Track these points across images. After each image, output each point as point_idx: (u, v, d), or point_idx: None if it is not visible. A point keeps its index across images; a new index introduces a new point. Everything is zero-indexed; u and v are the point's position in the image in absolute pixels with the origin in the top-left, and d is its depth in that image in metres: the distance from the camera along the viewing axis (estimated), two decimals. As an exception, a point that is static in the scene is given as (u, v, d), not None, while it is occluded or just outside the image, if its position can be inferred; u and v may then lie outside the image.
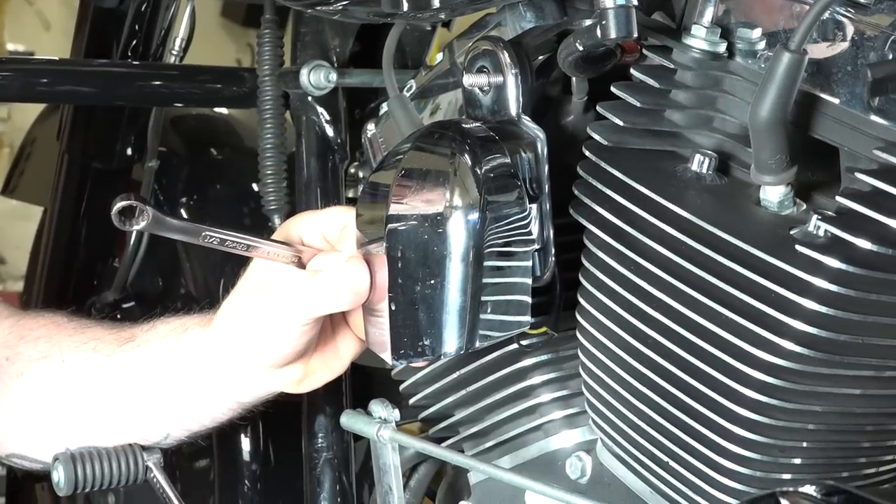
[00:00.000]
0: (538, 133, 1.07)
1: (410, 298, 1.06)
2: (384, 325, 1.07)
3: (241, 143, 1.81)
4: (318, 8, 1.23)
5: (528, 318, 1.07)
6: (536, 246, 1.06)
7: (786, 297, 0.91)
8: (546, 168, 1.07)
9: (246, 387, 1.24)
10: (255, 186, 1.63)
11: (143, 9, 1.65)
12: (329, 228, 1.19)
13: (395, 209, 1.06)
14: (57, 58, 1.76)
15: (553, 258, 1.07)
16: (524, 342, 1.12)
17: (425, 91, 1.33)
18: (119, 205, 1.09)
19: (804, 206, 0.97)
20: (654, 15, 1.11)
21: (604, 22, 0.96)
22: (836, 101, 0.94)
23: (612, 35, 0.96)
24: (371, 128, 1.42)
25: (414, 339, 1.06)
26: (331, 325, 1.22)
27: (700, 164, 1.00)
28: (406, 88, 1.34)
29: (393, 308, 1.07)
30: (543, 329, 1.11)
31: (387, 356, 1.09)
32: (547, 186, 1.07)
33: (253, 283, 1.20)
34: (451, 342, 1.06)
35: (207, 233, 1.12)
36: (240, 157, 1.78)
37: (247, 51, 4.08)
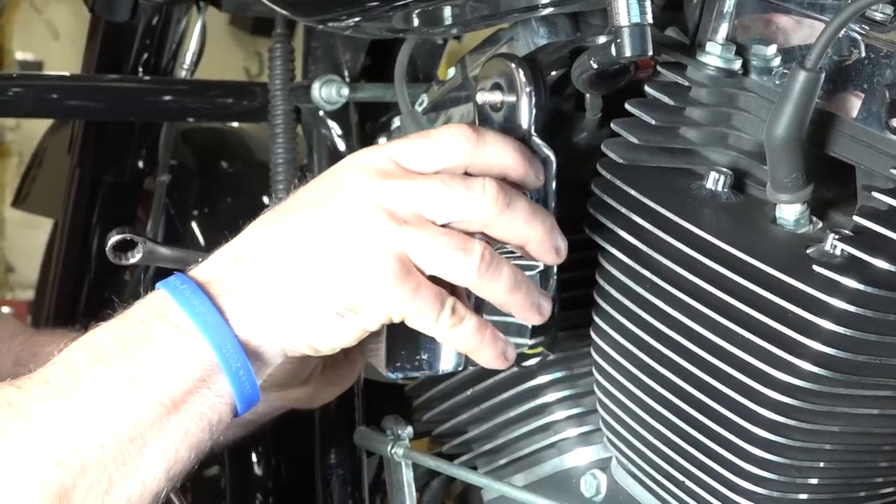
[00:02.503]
0: (548, 153, 1.06)
1: None
2: (381, 336, 1.06)
3: (252, 156, 1.81)
4: (330, 24, 1.23)
5: (527, 340, 1.07)
6: (540, 267, 1.05)
7: (803, 317, 0.90)
8: (553, 187, 1.06)
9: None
10: (266, 199, 1.63)
11: (154, 23, 1.65)
12: None
13: None
14: (68, 73, 1.77)
15: (555, 278, 1.06)
16: (524, 364, 1.10)
17: (437, 105, 1.33)
18: (113, 239, 1.09)
19: (820, 224, 0.97)
20: (667, 30, 1.11)
21: (619, 40, 0.95)
22: (851, 118, 0.94)
23: (628, 53, 0.95)
24: (383, 142, 1.42)
25: (411, 353, 1.05)
26: None
27: (715, 181, 1.00)
28: (418, 103, 1.34)
29: None
30: (540, 349, 1.10)
31: (382, 367, 1.07)
32: (553, 204, 1.06)
33: None
34: (449, 359, 1.05)
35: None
36: (251, 170, 1.78)
37: (255, 59, 4.08)
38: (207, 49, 1.68)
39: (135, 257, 1.09)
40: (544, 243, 1.01)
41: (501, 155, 1.01)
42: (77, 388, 0.93)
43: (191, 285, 0.96)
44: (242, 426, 1.28)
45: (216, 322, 0.95)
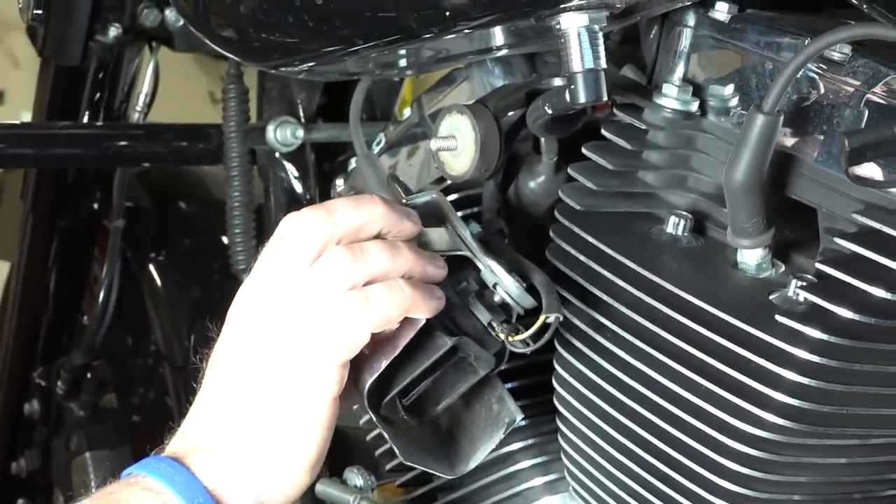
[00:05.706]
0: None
1: None
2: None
3: (210, 196, 1.78)
4: (282, 69, 1.20)
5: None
6: None
7: (766, 367, 0.88)
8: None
9: None
10: (224, 239, 1.60)
11: (105, 65, 1.62)
12: None
13: None
14: (18, 122, 1.74)
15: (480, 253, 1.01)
16: (544, 337, 0.99)
17: (394, 144, 1.31)
18: None
19: (783, 268, 0.95)
20: (624, 68, 1.09)
21: (572, 86, 0.93)
22: (811, 160, 0.92)
23: (582, 100, 0.93)
24: (340, 183, 1.40)
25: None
26: None
27: (675, 226, 0.98)
28: (375, 142, 1.32)
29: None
30: (552, 316, 0.98)
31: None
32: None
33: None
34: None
35: None
36: (208, 210, 1.75)
37: (218, 83, 4.04)
38: (170, 74, 1.66)
39: None
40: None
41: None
42: None
43: (155, 457, 0.96)
44: None
45: (185, 478, 0.94)
